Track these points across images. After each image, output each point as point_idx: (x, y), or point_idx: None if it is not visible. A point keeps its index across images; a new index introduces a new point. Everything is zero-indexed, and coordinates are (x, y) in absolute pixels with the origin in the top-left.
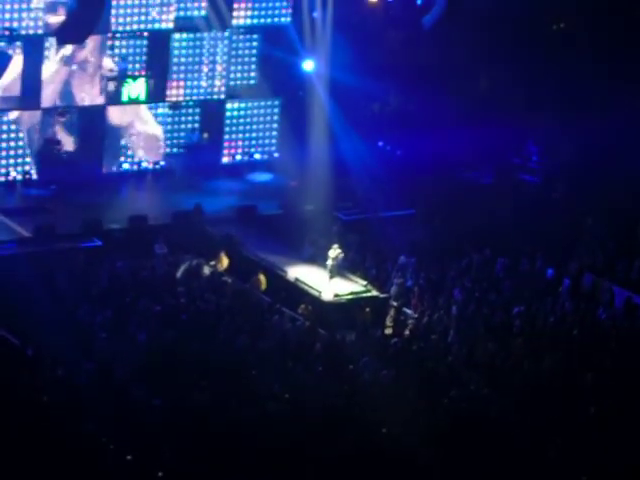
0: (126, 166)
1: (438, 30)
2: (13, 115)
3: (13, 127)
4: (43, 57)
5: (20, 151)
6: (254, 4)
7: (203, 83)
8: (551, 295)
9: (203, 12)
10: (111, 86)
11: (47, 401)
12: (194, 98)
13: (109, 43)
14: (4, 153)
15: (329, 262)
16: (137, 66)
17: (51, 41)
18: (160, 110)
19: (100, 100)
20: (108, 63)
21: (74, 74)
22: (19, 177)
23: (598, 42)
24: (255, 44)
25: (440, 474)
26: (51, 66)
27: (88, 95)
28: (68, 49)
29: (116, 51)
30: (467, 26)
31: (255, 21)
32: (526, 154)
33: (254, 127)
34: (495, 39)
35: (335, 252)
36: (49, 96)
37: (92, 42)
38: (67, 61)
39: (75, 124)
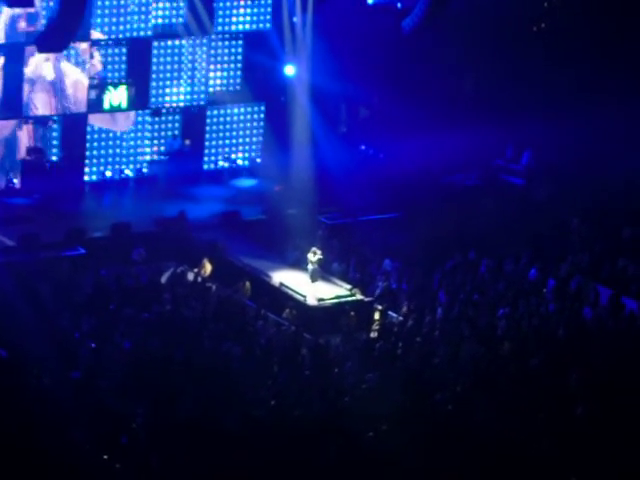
0: (108, 174)
1: (420, 33)
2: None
3: None
4: (23, 66)
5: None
6: (233, 10)
7: (184, 89)
8: (536, 296)
9: (182, 19)
10: (92, 94)
11: (33, 410)
12: (174, 105)
13: (89, 51)
14: None
15: (309, 266)
16: (117, 74)
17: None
18: (140, 118)
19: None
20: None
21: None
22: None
23: (580, 42)
24: (236, 50)
25: (426, 477)
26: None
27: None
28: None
29: (96, 59)
30: (449, 29)
31: (234, 27)
32: (510, 156)
33: (236, 133)
34: (477, 41)
35: (315, 256)
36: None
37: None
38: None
39: (58, 133)
